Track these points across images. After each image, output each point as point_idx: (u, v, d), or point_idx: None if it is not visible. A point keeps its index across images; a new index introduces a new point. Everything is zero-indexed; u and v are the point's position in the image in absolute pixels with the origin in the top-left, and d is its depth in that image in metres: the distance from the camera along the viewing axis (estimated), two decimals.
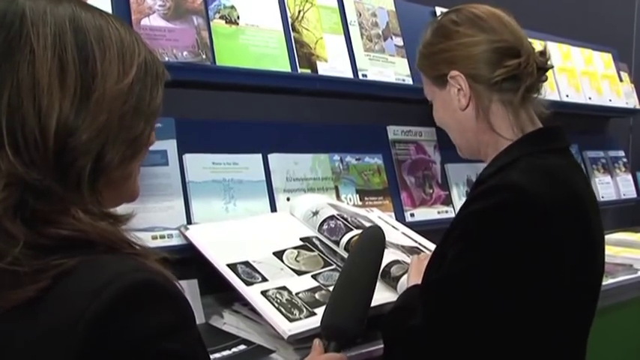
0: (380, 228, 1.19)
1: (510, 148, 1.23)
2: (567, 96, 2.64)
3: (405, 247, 1.65)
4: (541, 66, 1.25)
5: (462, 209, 1.19)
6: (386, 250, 1.54)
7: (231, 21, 1.71)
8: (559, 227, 1.10)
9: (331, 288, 1.28)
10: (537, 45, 2.35)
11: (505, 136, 1.25)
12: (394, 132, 2.13)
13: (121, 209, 0.84)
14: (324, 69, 1.85)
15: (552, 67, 1.32)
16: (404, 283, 1.42)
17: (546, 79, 1.30)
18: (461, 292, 1.09)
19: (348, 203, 1.87)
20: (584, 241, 1.17)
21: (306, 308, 1.33)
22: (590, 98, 2.74)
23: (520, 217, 1.08)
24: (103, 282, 0.69)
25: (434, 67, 1.31)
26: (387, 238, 1.61)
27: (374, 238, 1.21)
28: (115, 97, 0.78)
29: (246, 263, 1.42)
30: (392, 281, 1.47)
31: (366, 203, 1.93)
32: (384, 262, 1.50)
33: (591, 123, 3.00)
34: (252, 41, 1.73)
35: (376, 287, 1.16)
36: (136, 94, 0.81)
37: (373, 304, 1.16)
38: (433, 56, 1.31)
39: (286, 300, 1.34)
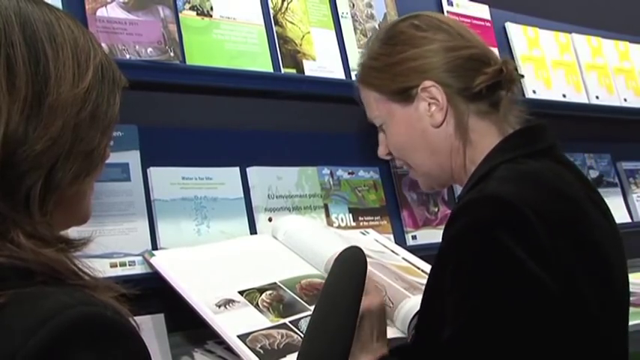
0: (358, 248, 1.20)
1: (486, 159, 1.28)
2: (597, 98, 2.62)
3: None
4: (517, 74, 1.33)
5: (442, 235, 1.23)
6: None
7: (204, 13, 1.74)
8: (553, 238, 1.11)
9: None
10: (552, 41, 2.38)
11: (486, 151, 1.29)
12: None
13: (74, 231, 0.87)
14: (311, 69, 1.89)
15: (523, 76, 1.40)
16: (407, 312, 1.44)
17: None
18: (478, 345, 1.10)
19: (339, 224, 1.91)
20: (590, 255, 1.18)
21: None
22: (625, 100, 2.74)
23: (504, 232, 1.10)
24: (42, 317, 0.70)
25: (395, 80, 1.34)
26: (385, 265, 1.66)
27: (351, 260, 1.20)
28: (70, 103, 0.81)
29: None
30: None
31: (361, 224, 1.96)
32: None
33: (627, 129, 3.00)
34: (228, 36, 1.77)
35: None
36: (93, 101, 0.84)
37: None
38: (393, 67, 1.34)
39: None
